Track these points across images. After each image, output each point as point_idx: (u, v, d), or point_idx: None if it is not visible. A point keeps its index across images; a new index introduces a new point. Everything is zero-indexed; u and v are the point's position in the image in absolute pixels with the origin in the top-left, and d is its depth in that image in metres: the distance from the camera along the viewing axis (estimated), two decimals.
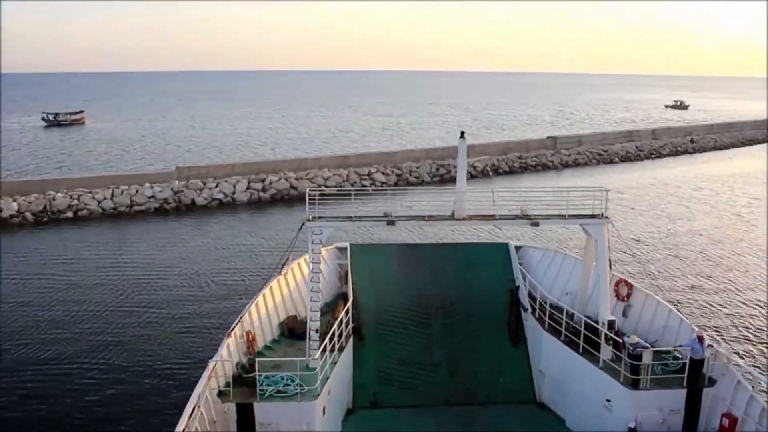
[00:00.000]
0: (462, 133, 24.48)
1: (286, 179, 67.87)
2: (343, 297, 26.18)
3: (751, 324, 35.19)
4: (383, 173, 73.63)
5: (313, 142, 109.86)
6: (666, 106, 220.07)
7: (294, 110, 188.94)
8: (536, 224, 23.16)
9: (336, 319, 23.08)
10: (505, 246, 29.38)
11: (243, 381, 20.23)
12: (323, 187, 67.93)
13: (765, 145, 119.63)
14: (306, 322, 22.80)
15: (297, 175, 69.28)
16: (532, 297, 26.05)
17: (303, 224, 22.67)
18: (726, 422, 19.34)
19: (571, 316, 23.65)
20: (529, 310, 25.76)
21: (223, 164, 73.65)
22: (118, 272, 42.57)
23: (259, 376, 19.82)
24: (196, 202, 62.34)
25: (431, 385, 24.52)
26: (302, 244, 24.22)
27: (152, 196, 61.50)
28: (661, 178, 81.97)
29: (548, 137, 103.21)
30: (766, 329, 34.40)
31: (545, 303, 24.99)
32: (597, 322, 22.22)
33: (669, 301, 26.54)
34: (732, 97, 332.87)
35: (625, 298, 25.38)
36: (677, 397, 20.06)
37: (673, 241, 51.47)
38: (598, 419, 21.02)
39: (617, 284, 25.61)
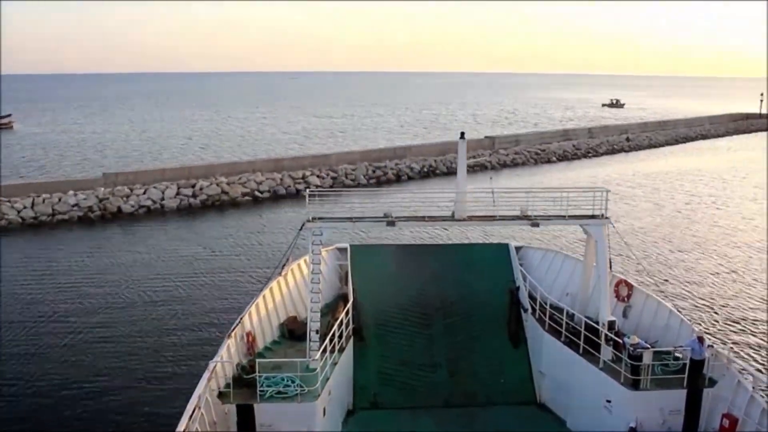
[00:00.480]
0: (462, 133, 24.52)
1: (217, 184, 65.41)
2: (343, 298, 26.19)
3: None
4: (318, 176, 72.06)
5: (256, 144, 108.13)
6: (603, 105, 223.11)
7: (237, 112, 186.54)
8: (536, 225, 23.18)
9: (336, 320, 23.08)
10: (506, 246, 29.38)
11: (243, 382, 20.21)
12: (318, 187, 67.94)
13: (697, 142, 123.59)
14: (306, 323, 22.80)
15: (229, 179, 66.94)
16: (532, 297, 26.04)
17: (303, 225, 22.66)
18: (726, 423, 19.33)
19: (571, 316, 23.65)
20: (530, 310, 25.75)
21: (152, 169, 70.36)
22: (28, 287, 39.93)
23: (260, 377, 19.82)
24: (122, 210, 58.80)
25: (431, 385, 24.51)
26: (302, 244, 24.24)
27: (76, 205, 57.72)
28: (599, 176, 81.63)
29: (486, 137, 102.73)
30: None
31: (545, 303, 24.99)
32: (597, 323, 22.22)
33: (669, 300, 26.56)
34: (667, 95, 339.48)
35: (626, 299, 25.38)
36: (678, 397, 20.06)
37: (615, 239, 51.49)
38: (598, 420, 21.01)
39: (617, 285, 25.61)
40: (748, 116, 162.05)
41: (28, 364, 29.94)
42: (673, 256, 47.08)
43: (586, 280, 24.82)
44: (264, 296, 25.04)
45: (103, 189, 61.25)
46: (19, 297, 38.06)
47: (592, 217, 23.08)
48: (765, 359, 30.90)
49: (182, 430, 16.43)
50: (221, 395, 19.72)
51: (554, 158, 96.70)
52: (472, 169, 78.73)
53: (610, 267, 24.27)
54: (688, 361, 20.30)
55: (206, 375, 19.27)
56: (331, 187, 69.29)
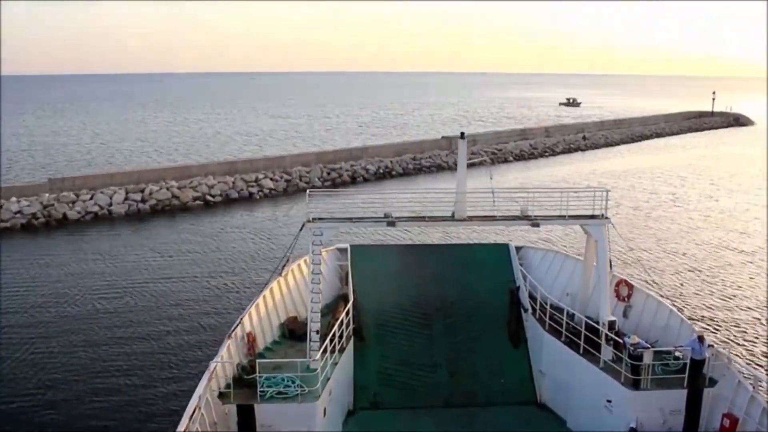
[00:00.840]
0: (462, 134, 24.49)
1: (167, 189, 63.15)
2: (344, 298, 26.19)
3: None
4: (272, 179, 70.68)
5: (212, 146, 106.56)
6: (560, 104, 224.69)
7: (195, 113, 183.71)
8: (536, 225, 23.18)
9: (336, 320, 23.08)
10: (506, 246, 29.38)
11: (243, 382, 20.22)
12: (272, 190, 67.42)
13: (653, 140, 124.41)
14: (306, 324, 22.79)
15: (180, 183, 64.70)
16: (532, 297, 26.04)
17: (303, 225, 22.67)
18: (727, 422, 19.33)
19: (571, 316, 23.65)
20: (530, 310, 25.75)
21: (100, 174, 67.47)
22: None
23: (260, 377, 19.82)
24: (68, 217, 56.20)
25: (432, 385, 24.51)
26: (303, 245, 24.24)
27: (19, 212, 54.82)
28: (557, 175, 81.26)
29: (443, 137, 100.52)
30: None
31: (546, 303, 24.99)
32: (597, 323, 22.22)
33: (668, 300, 26.57)
34: (624, 94, 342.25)
35: (626, 299, 25.39)
36: (678, 397, 20.06)
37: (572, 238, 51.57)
38: (598, 420, 21.01)
39: (618, 285, 25.62)
40: (701, 114, 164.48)
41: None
42: (633, 255, 46.72)
43: (586, 279, 24.82)
44: (264, 296, 25.05)
45: (48, 195, 58.18)
46: None
47: (592, 217, 23.09)
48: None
49: (183, 430, 16.43)
50: (222, 395, 19.72)
51: (511, 158, 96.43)
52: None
53: (611, 267, 24.27)
54: (688, 361, 20.31)
55: (206, 375, 19.29)
56: (284, 190, 69.47)
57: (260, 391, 19.67)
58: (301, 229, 23.06)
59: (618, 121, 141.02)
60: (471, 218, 23.40)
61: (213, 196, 65.10)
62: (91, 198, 59.51)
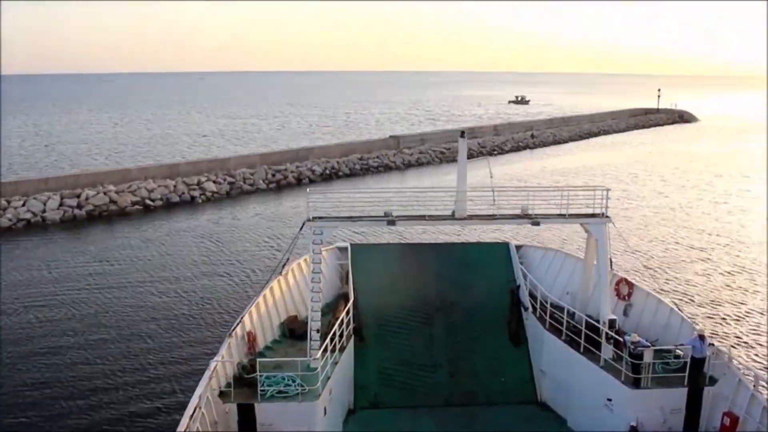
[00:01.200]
0: (462, 132, 24.48)
1: (105, 193, 60.24)
2: (344, 297, 26.18)
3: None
4: (215, 182, 68.35)
5: (157, 148, 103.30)
6: (509, 102, 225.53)
7: (143, 114, 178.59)
8: (537, 223, 23.18)
9: (337, 319, 23.08)
10: (506, 246, 29.38)
11: (244, 381, 20.23)
12: (215, 193, 65.28)
13: (600, 138, 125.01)
14: (307, 323, 22.80)
15: (118, 188, 61.88)
16: (532, 296, 26.04)
17: (303, 224, 22.67)
18: (727, 421, 19.32)
19: (572, 315, 23.64)
20: (530, 309, 25.75)
21: (33, 179, 63.43)
22: None
23: (260, 376, 19.82)
24: None
25: (432, 385, 24.51)
26: (303, 244, 24.25)
27: None
28: (508, 173, 79.79)
29: (391, 136, 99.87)
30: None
31: (546, 302, 24.99)
32: (598, 322, 22.22)
33: (669, 298, 26.57)
34: (572, 92, 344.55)
35: (626, 297, 25.39)
36: (678, 396, 20.05)
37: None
38: (599, 419, 21.01)
39: (618, 283, 25.63)
40: (647, 111, 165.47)
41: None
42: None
43: (586, 278, 24.81)
44: (264, 296, 25.06)
45: None
46: None
47: (593, 215, 23.09)
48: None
49: (183, 429, 16.44)
50: (222, 394, 19.73)
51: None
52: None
53: (611, 265, 24.26)
54: (688, 360, 20.30)
55: (207, 374, 19.30)
56: (228, 193, 67.78)
57: (261, 390, 19.67)
58: (301, 228, 23.05)
59: (566, 118, 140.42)
60: (471, 217, 23.40)
61: (153, 201, 62.32)
62: (24, 204, 56.27)
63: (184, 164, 73.16)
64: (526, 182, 72.77)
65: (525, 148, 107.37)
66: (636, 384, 20.16)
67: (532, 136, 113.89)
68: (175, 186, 65.89)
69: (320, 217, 22.60)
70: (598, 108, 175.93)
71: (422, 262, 28.42)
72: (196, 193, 66.12)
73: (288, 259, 26.53)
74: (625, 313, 24.99)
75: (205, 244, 49.58)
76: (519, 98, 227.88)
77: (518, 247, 29.45)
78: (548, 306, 24.69)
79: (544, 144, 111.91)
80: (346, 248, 28.96)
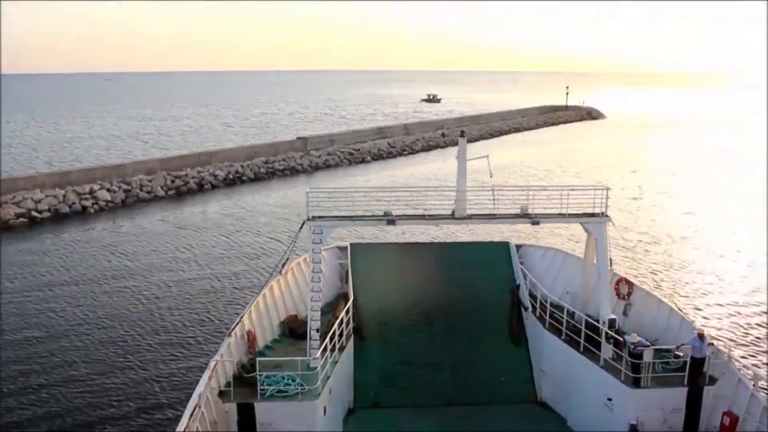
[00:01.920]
0: (462, 132, 24.47)
1: None
2: (344, 296, 26.20)
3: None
4: (108, 190, 63.60)
5: (52, 153, 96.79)
6: (421, 100, 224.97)
7: (42, 116, 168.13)
8: (536, 223, 23.20)
9: (336, 318, 23.08)
10: (506, 245, 29.37)
11: (244, 381, 20.22)
12: (108, 202, 60.63)
13: (511, 135, 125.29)
14: (306, 322, 22.80)
15: (1, 199, 56.35)
16: (532, 296, 26.03)
17: (303, 224, 22.67)
18: (727, 421, 19.33)
19: (571, 314, 23.64)
20: (530, 309, 25.75)
21: None
22: None
23: (260, 375, 19.82)
24: None
25: (432, 384, 24.50)
26: (303, 243, 24.24)
27: None
28: (418, 173, 79.20)
29: (298, 138, 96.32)
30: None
31: (546, 302, 24.98)
32: (598, 321, 22.22)
33: (669, 298, 26.57)
34: (483, 90, 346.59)
35: (626, 297, 25.38)
36: (678, 395, 20.06)
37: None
38: (599, 418, 21.01)
39: (618, 283, 25.62)
40: (555, 109, 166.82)
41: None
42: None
43: (586, 278, 24.81)
44: (264, 295, 25.06)
45: None
46: None
47: (593, 215, 23.08)
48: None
49: (183, 428, 16.45)
50: (222, 394, 19.73)
51: (369, 158, 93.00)
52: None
53: (611, 265, 24.26)
54: (688, 359, 20.29)
55: (207, 374, 19.31)
56: (123, 201, 63.38)
57: (260, 390, 19.67)
58: (300, 228, 23.06)
59: (476, 116, 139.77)
60: (471, 216, 23.40)
61: (40, 212, 56.91)
62: None
63: (76, 172, 67.25)
64: (443, 180, 71.68)
65: (436, 147, 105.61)
66: (636, 383, 20.17)
67: (443, 135, 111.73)
68: (65, 195, 60.35)
69: (320, 217, 22.60)
70: (510, 105, 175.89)
71: (422, 262, 28.41)
72: (88, 203, 60.82)
73: (288, 258, 26.53)
74: (625, 313, 24.98)
75: (97, 257, 46.19)
76: (431, 97, 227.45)
77: (518, 247, 29.44)
78: (548, 305, 24.69)
79: (455, 143, 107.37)
80: (345, 247, 28.96)
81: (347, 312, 23.98)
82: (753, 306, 37.55)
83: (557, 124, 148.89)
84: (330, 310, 25.12)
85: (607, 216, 22.98)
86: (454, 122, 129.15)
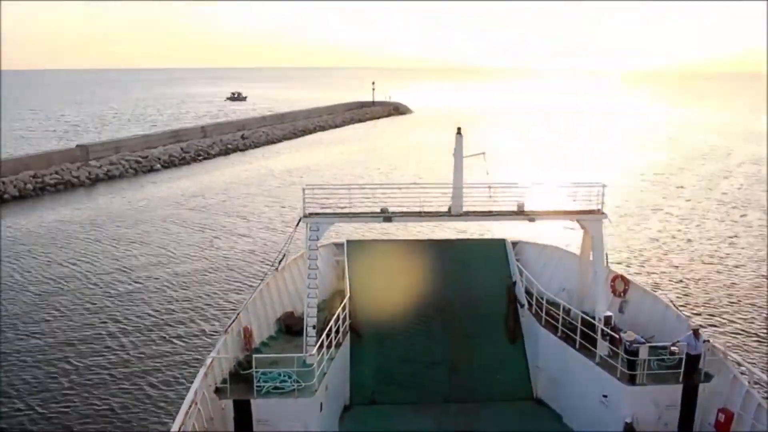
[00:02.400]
0: (458, 129, 24.46)
1: None
2: (340, 293, 26.17)
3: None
4: None
5: None
6: (226, 99, 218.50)
7: None
8: (533, 220, 23.23)
9: (333, 315, 23.08)
10: (502, 242, 29.38)
11: (240, 377, 20.21)
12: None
13: (317, 134, 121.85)
14: (303, 319, 22.80)
15: None
16: (528, 293, 26.05)
17: (299, 221, 22.64)
18: (722, 417, 19.39)
19: (567, 311, 23.68)
20: (526, 306, 25.78)
21: None
22: None
23: (257, 372, 19.82)
24: None
25: (428, 381, 24.52)
26: (299, 240, 24.23)
27: None
28: (205, 184, 71.71)
29: (78, 146, 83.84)
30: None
31: (542, 299, 25.01)
32: (594, 318, 22.26)
33: (665, 295, 26.63)
34: (291, 87, 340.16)
35: (622, 294, 25.41)
36: (673, 392, 20.11)
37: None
38: (594, 415, 21.06)
39: (614, 280, 25.65)
40: (362, 105, 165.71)
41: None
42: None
43: (582, 275, 24.84)
44: (261, 292, 25.04)
45: None
46: None
47: (588, 212, 23.12)
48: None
49: (179, 425, 16.45)
50: (218, 390, 19.71)
51: (158, 165, 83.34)
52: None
53: (606, 262, 24.28)
54: (684, 356, 20.35)
55: (203, 370, 19.30)
56: None
57: (257, 386, 19.67)
58: (297, 225, 23.04)
59: (281, 115, 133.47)
60: (467, 213, 23.41)
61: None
62: None
63: None
64: (225, 194, 68.00)
65: (235, 150, 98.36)
66: (631, 380, 20.22)
67: (243, 137, 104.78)
68: None
69: (316, 214, 22.58)
70: (318, 102, 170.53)
71: (418, 259, 28.38)
72: None
73: (284, 255, 26.52)
74: (621, 310, 25.00)
75: None
76: (236, 95, 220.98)
77: (514, 244, 29.45)
78: (544, 302, 24.70)
79: (256, 145, 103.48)
80: (342, 244, 28.95)
81: (344, 309, 23.97)
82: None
83: (364, 120, 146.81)
84: (326, 306, 25.13)
85: (603, 213, 23.03)
86: (256, 122, 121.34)
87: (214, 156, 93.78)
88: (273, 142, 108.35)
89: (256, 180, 75.47)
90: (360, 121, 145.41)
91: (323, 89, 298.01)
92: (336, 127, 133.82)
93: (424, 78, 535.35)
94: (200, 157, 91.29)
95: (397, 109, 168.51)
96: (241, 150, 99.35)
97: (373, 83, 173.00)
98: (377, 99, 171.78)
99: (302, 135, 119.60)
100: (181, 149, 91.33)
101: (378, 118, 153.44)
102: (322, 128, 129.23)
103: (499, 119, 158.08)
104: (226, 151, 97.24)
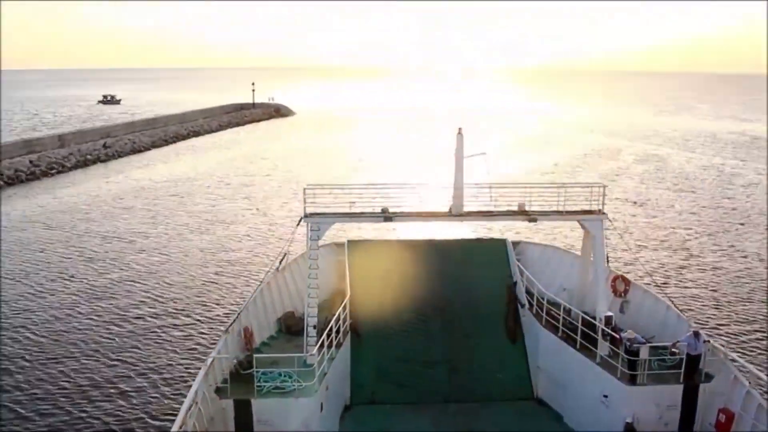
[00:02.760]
0: (459, 129, 24.47)
1: None
2: (341, 293, 26.17)
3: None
4: None
5: None
6: (98, 102, 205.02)
7: None
8: (534, 220, 23.25)
9: (333, 315, 23.08)
10: (503, 242, 29.40)
11: (241, 377, 20.24)
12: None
13: (190, 140, 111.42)
14: (304, 319, 22.81)
15: None
16: (529, 293, 26.04)
17: (300, 221, 22.65)
18: (723, 418, 19.39)
19: (568, 311, 23.68)
20: (527, 306, 25.77)
21: None
22: None
23: (257, 372, 19.84)
24: None
25: (429, 381, 24.51)
26: (300, 240, 24.24)
27: None
28: (48, 206, 60.39)
29: None
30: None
31: (543, 299, 25.01)
32: (594, 318, 22.25)
33: (666, 294, 26.62)
34: (170, 88, 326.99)
35: (623, 294, 25.43)
36: (674, 392, 20.11)
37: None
38: (595, 415, 21.06)
39: (614, 280, 25.67)
40: (242, 107, 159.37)
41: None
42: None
43: (583, 275, 24.83)
44: (261, 291, 25.06)
45: None
46: None
47: (589, 212, 23.12)
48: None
49: (179, 425, 16.46)
50: (219, 390, 19.73)
51: (1, 182, 69.24)
52: None
53: (607, 262, 24.28)
54: (684, 357, 20.35)
55: (204, 370, 19.32)
56: None
57: (257, 386, 19.69)
58: (298, 225, 23.05)
59: (151, 120, 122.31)
60: (469, 214, 23.42)
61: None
62: None
63: None
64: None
65: (96, 161, 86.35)
66: (632, 380, 20.22)
67: (105, 145, 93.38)
68: None
69: (317, 214, 22.59)
70: (196, 105, 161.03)
71: (419, 259, 28.39)
72: None
73: (285, 255, 26.52)
74: (622, 310, 25.02)
75: None
76: (109, 98, 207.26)
77: (515, 244, 29.47)
78: (545, 302, 24.70)
79: (121, 154, 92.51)
80: (343, 244, 28.96)
81: (344, 309, 23.97)
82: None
83: (243, 123, 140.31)
84: (327, 306, 25.12)
85: (604, 213, 23.04)
86: (123, 128, 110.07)
87: (71, 169, 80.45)
88: (140, 151, 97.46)
89: (107, 198, 64.84)
90: (238, 124, 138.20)
91: (209, 91, 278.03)
92: (212, 131, 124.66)
93: (304, 77, 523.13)
94: (53, 171, 77.87)
95: (279, 111, 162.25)
96: (102, 161, 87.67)
97: (253, 84, 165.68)
98: (258, 101, 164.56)
99: (174, 141, 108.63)
100: (30, 162, 77.50)
101: (258, 120, 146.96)
102: (197, 133, 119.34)
103: (378, 119, 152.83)
104: (85, 163, 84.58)
